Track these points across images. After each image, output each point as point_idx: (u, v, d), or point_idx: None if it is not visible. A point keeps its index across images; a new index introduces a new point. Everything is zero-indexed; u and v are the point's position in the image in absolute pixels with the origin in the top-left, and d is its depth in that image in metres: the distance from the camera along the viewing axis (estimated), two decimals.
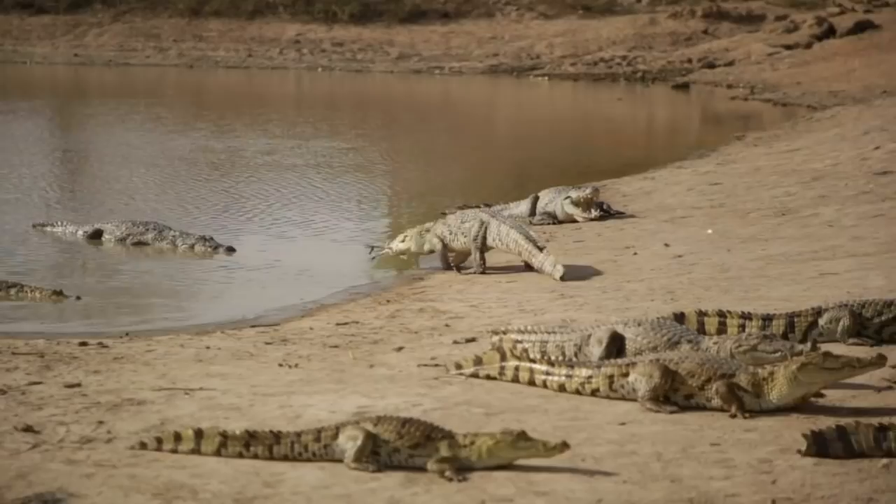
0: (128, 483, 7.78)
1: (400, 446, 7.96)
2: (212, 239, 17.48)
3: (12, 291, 14.19)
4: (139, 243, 17.70)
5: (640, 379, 9.31)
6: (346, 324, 12.82)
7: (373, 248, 16.93)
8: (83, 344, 11.60)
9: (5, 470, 7.98)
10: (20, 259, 16.58)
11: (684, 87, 54.22)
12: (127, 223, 18.05)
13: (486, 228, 15.79)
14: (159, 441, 8.37)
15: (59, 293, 14.23)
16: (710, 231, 18.09)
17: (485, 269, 15.71)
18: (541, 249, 15.45)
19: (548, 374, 9.79)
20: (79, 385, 10.03)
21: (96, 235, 18.01)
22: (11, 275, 15.10)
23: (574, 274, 14.93)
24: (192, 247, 17.33)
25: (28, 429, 8.81)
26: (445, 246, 16.03)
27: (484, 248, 15.82)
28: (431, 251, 16.18)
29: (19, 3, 63.55)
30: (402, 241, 16.35)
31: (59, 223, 18.59)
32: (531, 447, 7.89)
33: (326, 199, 22.54)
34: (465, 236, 15.81)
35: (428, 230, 16.22)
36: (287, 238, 18.65)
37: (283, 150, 29.60)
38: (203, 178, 24.70)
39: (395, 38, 63.12)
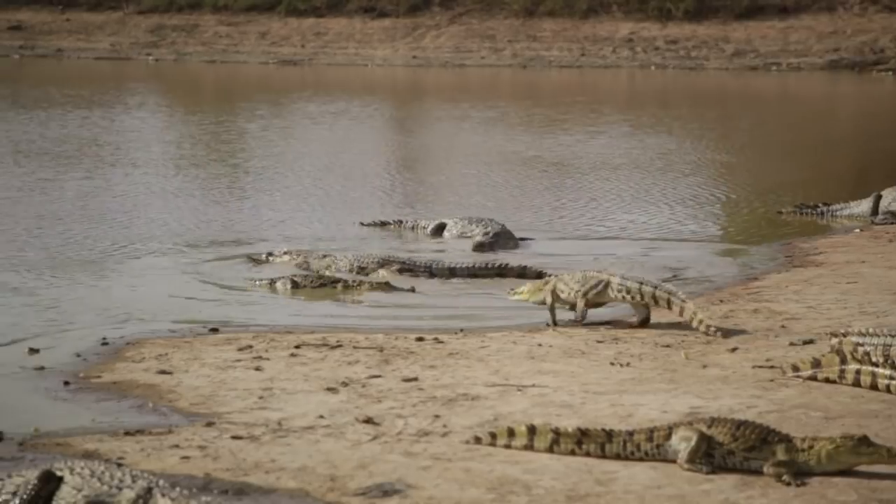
0: (463, 476, 7.91)
1: (735, 448, 7.82)
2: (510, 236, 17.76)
3: (338, 286, 14.63)
4: (469, 237, 18.08)
5: None
6: (678, 323, 12.68)
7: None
8: (420, 339, 11.87)
9: (347, 460, 8.24)
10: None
11: None
12: (464, 220, 18.46)
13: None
14: (493, 436, 8.48)
15: (387, 285, 14.59)
16: None
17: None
18: None
19: (892, 378, 9.44)
20: (416, 379, 10.27)
21: (439, 230, 18.49)
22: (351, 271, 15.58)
23: None
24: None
25: (368, 420, 9.08)
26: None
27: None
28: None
29: (362, 7, 65.73)
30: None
31: (405, 220, 19.13)
32: (874, 453, 7.63)
33: (658, 198, 22.33)
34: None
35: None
36: (617, 238, 18.57)
37: (614, 148, 29.51)
38: (533, 176, 24.88)
39: (730, 35, 62.13)
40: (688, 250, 17.40)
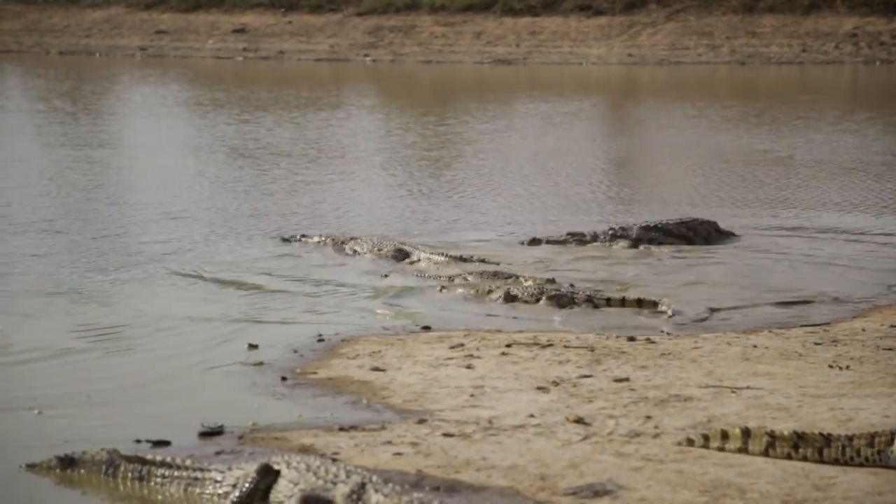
0: (675, 478, 7.82)
1: None
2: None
3: (509, 281, 14.61)
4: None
5: None
6: None
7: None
8: (631, 339, 11.78)
9: (558, 459, 8.23)
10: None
11: None
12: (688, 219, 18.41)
13: None
14: (706, 438, 8.37)
15: (551, 281, 14.47)
16: None
17: None
18: None
19: None
20: (627, 380, 10.20)
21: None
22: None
23: None
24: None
25: (579, 420, 9.05)
26: None
27: None
28: None
29: (578, 6, 65.65)
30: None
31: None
32: None
33: (868, 199, 21.63)
34: None
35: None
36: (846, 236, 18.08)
37: (873, 146, 28.63)
38: (793, 175, 24.34)
39: None
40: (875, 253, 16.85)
